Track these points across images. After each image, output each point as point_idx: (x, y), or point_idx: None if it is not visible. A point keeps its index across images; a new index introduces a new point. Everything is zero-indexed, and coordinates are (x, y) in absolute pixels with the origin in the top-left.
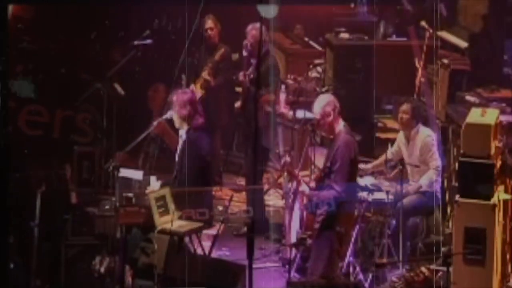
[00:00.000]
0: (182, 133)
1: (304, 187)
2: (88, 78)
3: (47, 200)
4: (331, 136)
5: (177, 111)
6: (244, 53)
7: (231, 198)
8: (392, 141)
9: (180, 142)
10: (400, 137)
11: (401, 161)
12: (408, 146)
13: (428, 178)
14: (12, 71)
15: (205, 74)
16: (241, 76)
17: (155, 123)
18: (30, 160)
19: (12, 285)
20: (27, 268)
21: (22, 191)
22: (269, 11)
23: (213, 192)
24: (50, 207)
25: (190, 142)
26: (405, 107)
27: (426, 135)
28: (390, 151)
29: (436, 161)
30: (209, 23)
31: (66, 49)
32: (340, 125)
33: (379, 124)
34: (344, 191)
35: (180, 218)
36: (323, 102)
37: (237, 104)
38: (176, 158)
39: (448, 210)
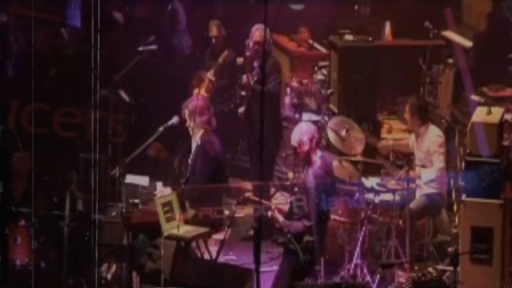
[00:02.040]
0: (196, 137)
1: (277, 215)
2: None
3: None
4: (306, 166)
5: (196, 119)
6: (247, 53)
7: (238, 202)
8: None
9: (193, 146)
10: (413, 137)
11: (408, 161)
12: (416, 142)
13: (426, 177)
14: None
15: (210, 75)
16: (244, 78)
17: (161, 128)
18: (60, 162)
19: (44, 284)
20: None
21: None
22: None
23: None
24: None
25: (204, 146)
26: (406, 107)
27: (436, 134)
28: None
29: (441, 162)
30: (214, 29)
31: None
32: (317, 156)
33: (385, 125)
34: (310, 222)
35: (195, 216)
36: (301, 131)
37: (241, 109)
38: (189, 161)
39: (455, 209)
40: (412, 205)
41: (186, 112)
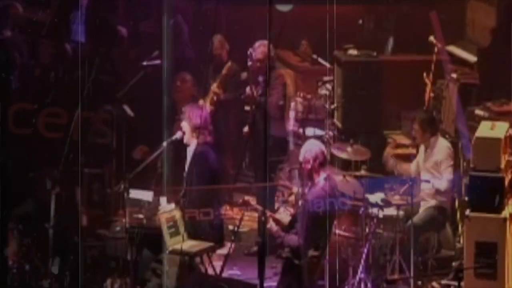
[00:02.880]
0: (191, 149)
1: (273, 226)
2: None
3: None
4: (309, 184)
5: (189, 121)
6: (250, 63)
7: (242, 218)
8: (402, 157)
9: (188, 158)
10: (421, 149)
11: (411, 177)
12: (425, 153)
13: (436, 185)
14: None
15: (214, 87)
16: (248, 90)
17: (164, 143)
18: (47, 162)
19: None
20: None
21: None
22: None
23: (223, 211)
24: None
25: (198, 156)
26: (415, 124)
27: (446, 146)
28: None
29: (450, 174)
30: (217, 42)
31: None
32: (320, 178)
33: (389, 140)
34: (305, 241)
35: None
36: (306, 148)
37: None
38: (184, 175)
39: (459, 224)
40: (416, 219)
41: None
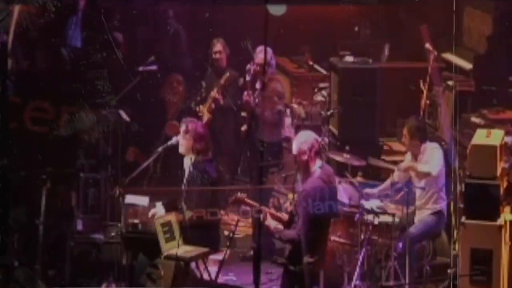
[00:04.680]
0: (187, 161)
1: (270, 222)
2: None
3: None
4: (305, 175)
5: (191, 143)
6: (247, 78)
7: (237, 223)
8: (399, 163)
9: (186, 171)
10: (407, 157)
11: (407, 183)
12: (416, 161)
13: (424, 168)
14: None
15: (214, 93)
16: (245, 96)
17: (160, 149)
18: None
19: (16, 283)
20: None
21: (28, 188)
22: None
23: (219, 217)
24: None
25: (199, 172)
26: (404, 130)
27: (434, 147)
28: (397, 174)
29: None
30: (218, 46)
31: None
32: (316, 166)
33: (385, 147)
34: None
35: (191, 218)
36: (301, 140)
37: (243, 127)
38: (183, 187)
39: (454, 232)
40: (412, 229)
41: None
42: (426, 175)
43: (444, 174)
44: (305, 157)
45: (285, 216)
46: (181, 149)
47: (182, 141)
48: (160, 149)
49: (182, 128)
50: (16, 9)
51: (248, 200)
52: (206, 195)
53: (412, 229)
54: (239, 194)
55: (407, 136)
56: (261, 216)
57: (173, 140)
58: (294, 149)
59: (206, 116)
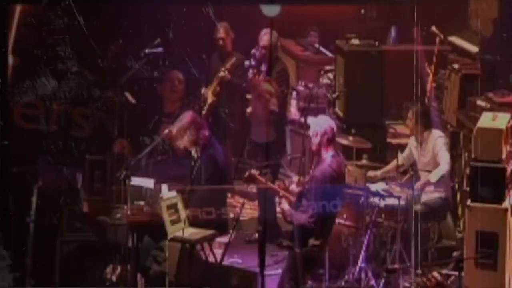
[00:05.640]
0: (195, 151)
1: (284, 205)
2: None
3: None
4: (317, 160)
5: (183, 140)
6: (252, 62)
7: (243, 205)
8: (404, 146)
9: (195, 156)
10: (412, 141)
11: (413, 166)
12: (420, 148)
13: (436, 174)
14: None
15: (219, 75)
16: (250, 74)
17: (166, 131)
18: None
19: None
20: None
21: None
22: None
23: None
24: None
25: (208, 159)
26: (409, 113)
27: (438, 136)
28: (402, 156)
29: (448, 158)
30: (222, 31)
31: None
32: (328, 154)
33: (390, 130)
34: (313, 218)
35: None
36: (316, 122)
37: (249, 109)
38: (193, 174)
39: (460, 214)
40: (418, 206)
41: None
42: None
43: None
44: (317, 140)
45: (292, 198)
46: (186, 144)
47: (185, 135)
48: (166, 131)
49: (182, 122)
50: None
51: (260, 178)
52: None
53: (418, 207)
54: (252, 171)
55: (412, 120)
56: (276, 199)
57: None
58: (311, 130)
59: (210, 99)
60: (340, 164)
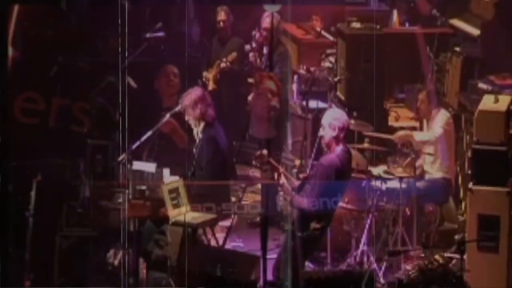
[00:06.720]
0: (198, 131)
1: (287, 185)
2: (86, 67)
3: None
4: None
5: (190, 113)
6: (253, 45)
7: (245, 190)
8: (405, 130)
9: (197, 140)
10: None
11: (413, 149)
12: (427, 126)
13: (422, 135)
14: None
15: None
16: (251, 57)
17: (167, 115)
18: (27, 149)
19: (5, 277)
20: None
21: (18, 180)
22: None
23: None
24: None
25: (209, 139)
26: (422, 95)
27: (444, 113)
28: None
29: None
30: (222, 14)
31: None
32: (338, 148)
33: (392, 113)
34: (313, 205)
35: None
36: (335, 115)
37: (251, 95)
38: (195, 154)
39: (462, 197)
40: (420, 184)
41: (182, 106)
42: (425, 143)
43: (444, 140)
44: (333, 134)
45: (295, 182)
46: (190, 119)
47: (191, 111)
48: (167, 115)
49: (191, 97)
50: None
51: (269, 159)
52: (216, 169)
53: (420, 185)
54: (264, 151)
55: (425, 101)
56: (281, 180)
57: (179, 107)
58: (326, 121)
59: (211, 87)
60: (348, 159)
